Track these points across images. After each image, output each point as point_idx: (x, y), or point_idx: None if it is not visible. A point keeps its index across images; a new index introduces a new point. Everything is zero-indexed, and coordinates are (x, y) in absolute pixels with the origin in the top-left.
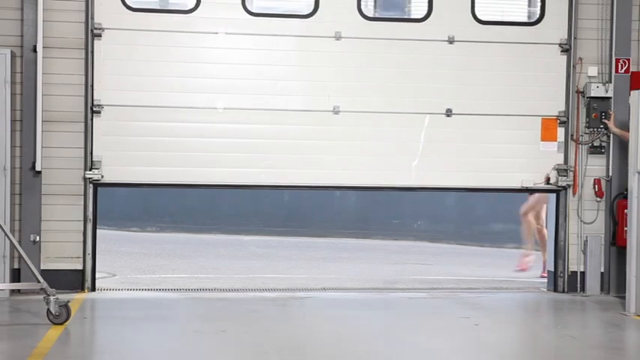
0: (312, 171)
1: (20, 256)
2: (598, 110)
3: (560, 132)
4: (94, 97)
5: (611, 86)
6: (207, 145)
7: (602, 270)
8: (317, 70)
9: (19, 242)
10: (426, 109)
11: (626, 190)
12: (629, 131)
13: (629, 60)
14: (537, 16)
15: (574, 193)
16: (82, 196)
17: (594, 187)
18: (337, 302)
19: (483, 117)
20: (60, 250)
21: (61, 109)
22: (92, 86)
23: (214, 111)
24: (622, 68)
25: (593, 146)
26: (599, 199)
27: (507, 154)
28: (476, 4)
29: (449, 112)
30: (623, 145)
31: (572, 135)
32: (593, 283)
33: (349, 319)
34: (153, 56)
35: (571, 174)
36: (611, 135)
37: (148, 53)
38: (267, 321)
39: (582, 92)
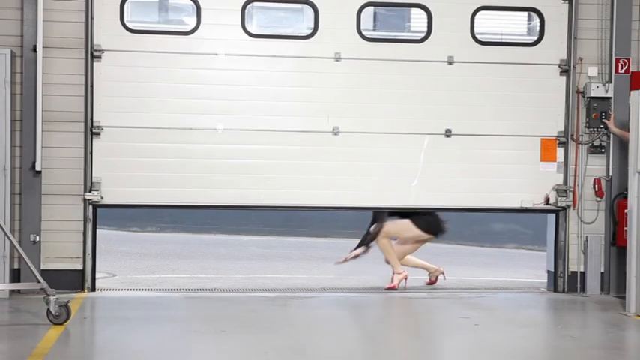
0: (311, 192)
1: (20, 256)
2: (598, 110)
3: (560, 152)
4: (94, 119)
5: (611, 86)
6: (206, 166)
7: (602, 270)
8: (316, 91)
9: (19, 242)
10: (425, 129)
11: (626, 190)
12: (629, 131)
13: (629, 60)
14: (536, 37)
15: (574, 206)
16: (82, 196)
17: (594, 187)
18: (337, 302)
19: (483, 137)
20: (60, 250)
21: (61, 109)
22: (92, 108)
23: (214, 132)
24: (622, 68)
25: (593, 146)
26: (599, 199)
27: (507, 174)
28: (475, 25)
29: (448, 133)
30: (623, 145)
31: (572, 135)
32: (593, 283)
33: (349, 319)
34: (152, 77)
35: (570, 194)
36: (611, 135)
37: (147, 74)
38: (267, 321)
39: (582, 92)
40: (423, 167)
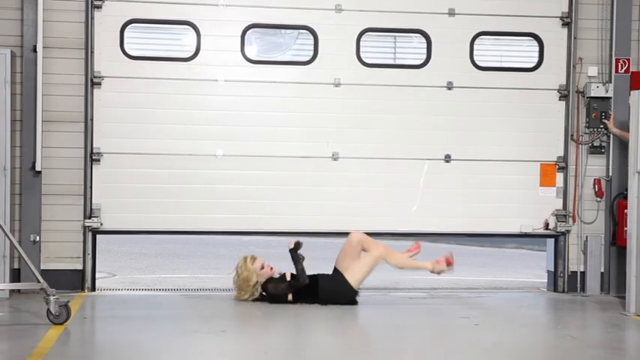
0: (310, 217)
1: (20, 256)
2: (598, 110)
3: (559, 177)
4: (94, 146)
5: (611, 86)
6: (206, 191)
7: (602, 270)
8: (316, 116)
9: (19, 242)
10: (424, 154)
11: (626, 190)
12: (628, 131)
13: (629, 60)
14: (535, 62)
15: (574, 221)
16: (82, 196)
17: (594, 187)
18: None
19: (482, 162)
20: (60, 250)
21: (61, 109)
22: (92, 135)
23: (214, 158)
24: (622, 68)
25: (593, 146)
26: (599, 199)
27: (506, 199)
28: (474, 50)
29: (448, 158)
30: (623, 145)
31: (572, 135)
32: (593, 283)
33: (349, 319)
34: (152, 104)
35: (570, 219)
36: (611, 135)
37: (147, 101)
38: (267, 321)
39: (582, 92)
40: (423, 192)
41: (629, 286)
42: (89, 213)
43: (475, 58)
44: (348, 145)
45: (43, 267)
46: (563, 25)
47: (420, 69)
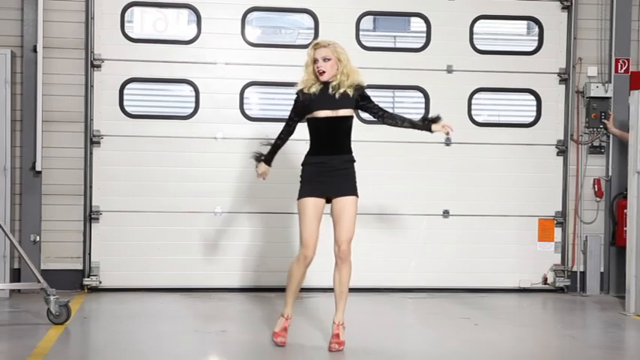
0: (310, 274)
1: (20, 256)
2: (598, 110)
3: (558, 232)
4: (92, 204)
5: (610, 86)
6: (206, 248)
7: (602, 270)
8: None
9: (19, 242)
10: (423, 210)
11: (626, 190)
12: (628, 131)
13: (629, 60)
14: (533, 117)
15: (573, 265)
16: (82, 196)
17: (594, 187)
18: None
19: (480, 217)
20: (60, 250)
21: (61, 109)
22: (90, 194)
23: (212, 215)
24: (622, 68)
25: (593, 146)
26: (598, 199)
27: (504, 254)
28: (472, 106)
29: (446, 214)
30: (622, 145)
31: (572, 135)
32: (593, 283)
33: (349, 319)
34: (151, 161)
35: (569, 274)
36: (611, 135)
37: (146, 158)
38: (268, 321)
39: (582, 92)
40: (422, 248)
41: (629, 286)
42: (88, 272)
43: (473, 113)
44: None
45: (43, 267)
46: (560, 81)
47: None
